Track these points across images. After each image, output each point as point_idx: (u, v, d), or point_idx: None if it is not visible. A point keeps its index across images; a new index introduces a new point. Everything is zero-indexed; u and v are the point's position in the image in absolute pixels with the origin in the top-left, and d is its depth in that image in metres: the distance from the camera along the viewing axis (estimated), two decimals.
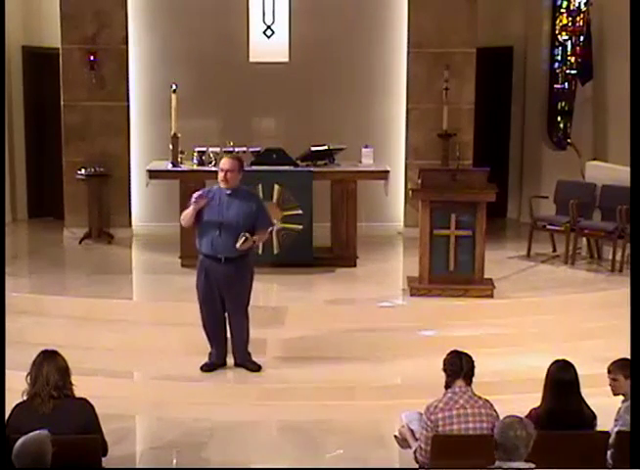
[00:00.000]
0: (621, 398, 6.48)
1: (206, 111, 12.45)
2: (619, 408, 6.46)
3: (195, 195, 8.59)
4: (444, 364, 6.35)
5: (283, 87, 12.33)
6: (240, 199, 8.58)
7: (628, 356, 6.22)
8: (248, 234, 8.42)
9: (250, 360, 8.88)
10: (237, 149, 10.94)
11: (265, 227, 8.74)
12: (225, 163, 8.64)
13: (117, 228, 12.38)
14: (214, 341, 8.86)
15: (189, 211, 8.58)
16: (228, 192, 8.57)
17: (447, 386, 6.31)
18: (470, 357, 6.34)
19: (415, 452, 6.41)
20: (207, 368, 8.87)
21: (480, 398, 6.28)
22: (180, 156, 11.09)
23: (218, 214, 8.52)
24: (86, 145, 12.30)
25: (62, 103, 12.31)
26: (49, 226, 12.92)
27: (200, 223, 8.58)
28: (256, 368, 8.85)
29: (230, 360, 8.90)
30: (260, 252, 10.65)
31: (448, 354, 6.39)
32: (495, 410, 6.26)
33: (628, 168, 7.20)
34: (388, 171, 11.07)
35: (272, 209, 10.49)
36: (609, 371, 6.52)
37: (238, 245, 8.38)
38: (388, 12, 12.47)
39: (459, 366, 6.27)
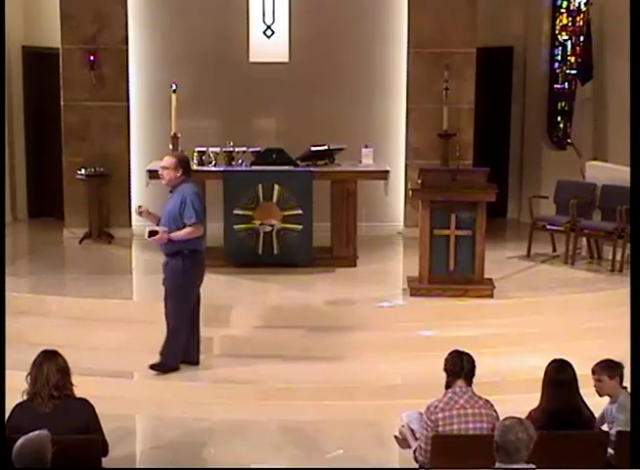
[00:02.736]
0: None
1: (206, 111, 12.44)
2: (610, 409, 6.46)
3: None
4: (445, 364, 6.35)
5: (283, 87, 12.33)
6: (175, 196, 8.55)
7: (628, 356, 6.20)
8: (157, 228, 8.40)
9: (161, 362, 8.71)
10: (237, 149, 10.96)
11: (188, 223, 8.42)
12: (163, 160, 8.64)
13: (117, 228, 12.37)
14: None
15: None
16: (170, 189, 8.61)
17: (448, 386, 6.31)
18: (471, 357, 6.34)
19: (415, 452, 6.41)
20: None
21: (480, 398, 6.28)
22: None
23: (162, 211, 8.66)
24: (86, 145, 12.30)
25: (62, 103, 12.30)
26: (49, 226, 12.91)
27: None
28: (157, 370, 8.70)
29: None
30: (261, 252, 10.66)
31: (449, 354, 6.40)
32: (495, 410, 6.26)
33: (628, 168, 7.19)
34: (387, 171, 11.06)
35: (272, 208, 10.52)
36: (593, 372, 6.50)
37: (146, 236, 8.46)
38: (387, 12, 12.47)
39: (460, 366, 6.27)
